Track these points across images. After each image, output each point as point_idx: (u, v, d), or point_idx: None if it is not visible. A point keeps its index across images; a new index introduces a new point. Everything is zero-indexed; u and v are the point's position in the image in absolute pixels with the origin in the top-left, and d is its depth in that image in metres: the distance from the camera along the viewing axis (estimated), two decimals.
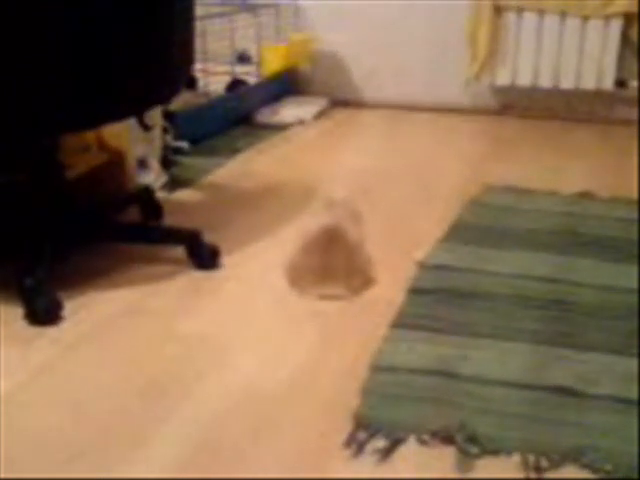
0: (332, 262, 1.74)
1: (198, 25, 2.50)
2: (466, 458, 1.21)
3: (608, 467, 1.19)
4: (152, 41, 1.71)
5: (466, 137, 3.27)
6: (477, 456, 1.22)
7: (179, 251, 1.92)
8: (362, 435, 1.26)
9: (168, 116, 2.67)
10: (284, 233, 2.10)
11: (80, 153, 2.21)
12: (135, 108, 1.83)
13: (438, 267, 1.90)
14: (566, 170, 2.74)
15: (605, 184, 2.55)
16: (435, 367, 1.45)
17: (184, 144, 2.82)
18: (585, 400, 1.36)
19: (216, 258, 1.92)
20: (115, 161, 2.29)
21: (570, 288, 1.79)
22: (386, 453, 1.23)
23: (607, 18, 3.24)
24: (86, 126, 1.88)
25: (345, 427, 1.28)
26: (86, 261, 1.92)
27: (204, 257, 1.90)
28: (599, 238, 2.09)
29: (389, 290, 1.78)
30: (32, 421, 1.31)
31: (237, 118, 3.28)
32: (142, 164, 2.43)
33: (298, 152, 2.97)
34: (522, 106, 3.57)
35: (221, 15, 3.23)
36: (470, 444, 1.24)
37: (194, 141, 2.88)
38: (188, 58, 1.90)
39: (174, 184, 2.51)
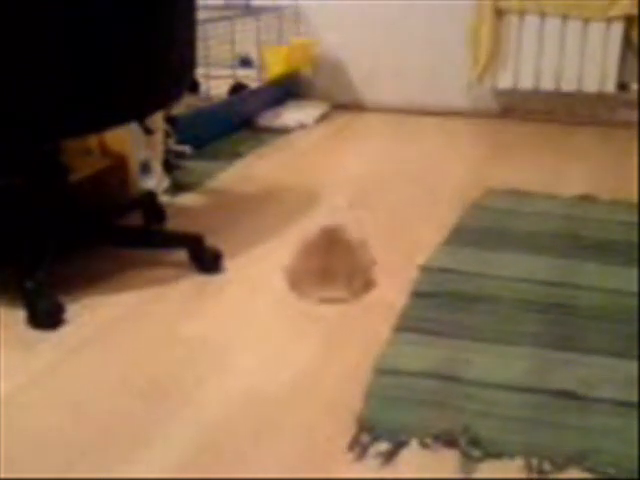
0: (332, 264, 1.74)
1: (200, 29, 2.50)
2: (469, 461, 1.21)
3: (611, 470, 1.19)
4: (154, 45, 1.71)
5: (468, 140, 3.27)
6: (480, 459, 1.22)
7: (181, 255, 1.92)
8: (365, 438, 1.26)
9: (170, 120, 2.67)
10: (286, 236, 2.10)
11: (83, 157, 2.21)
12: (137, 112, 1.83)
13: (440, 270, 1.90)
14: (567, 173, 2.74)
15: (606, 187, 2.55)
16: (437, 370, 1.45)
17: (186, 148, 2.82)
18: (587, 403, 1.36)
19: (218, 262, 1.92)
20: (117, 165, 2.29)
21: (572, 291, 1.79)
22: (389, 456, 1.23)
23: (609, 21, 3.24)
24: (88, 130, 1.88)
25: (348, 430, 1.28)
26: (88, 265, 1.92)
27: (206, 261, 1.90)
28: (600, 241, 2.09)
29: (391, 293, 1.78)
30: (33, 422, 1.31)
31: (239, 122, 3.28)
32: (144, 168, 2.43)
33: (300, 156, 2.97)
34: (524, 109, 3.57)
35: (223, 19, 3.24)
36: (473, 447, 1.24)
37: (196, 145, 2.88)
38: (190, 62, 1.90)
39: (176, 188, 2.52)
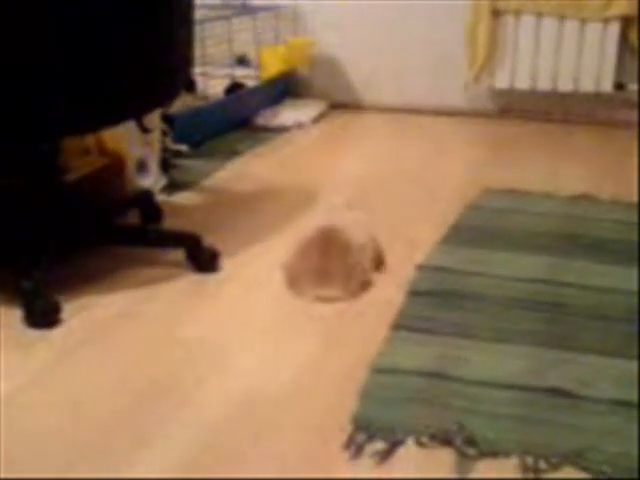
0: (329, 263, 1.74)
1: (197, 28, 2.50)
2: (464, 460, 1.22)
3: (607, 469, 1.19)
4: (151, 44, 1.71)
5: (465, 140, 3.28)
6: (475, 458, 1.22)
7: (179, 254, 1.92)
8: (361, 437, 1.27)
9: (167, 119, 2.67)
10: (283, 236, 2.10)
11: (80, 156, 2.21)
12: (134, 111, 1.83)
13: (437, 269, 1.90)
14: (565, 173, 2.75)
15: (604, 187, 2.56)
16: (434, 369, 1.45)
17: (183, 147, 2.82)
18: (582, 402, 1.36)
19: (215, 261, 1.92)
20: (115, 164, 2.29)
21: (568, 290, 1.80)
22: (385, 455, 1.23)
23: (605, 21, 3.24)
24: (86, 130, 1.88)
25: (345, 429, 1.29)
26: (86, 264, 1.92)
27: (203, 260, 1.91)
28: (598, 240, 2.09)
29: (389, 292, 1.78)
30: (32, 422, 1.31)
31: (236, 121, 3.28)
32: (142, 167, 2.43)
33: (297, 155, 2.98)
34: (521, 109, 3.57)
35: (220, 18, 3.24)
36: (468, 446, 1.24)
37: (193, 144, 2.88)
38: (187, 61, 1.91)
39: (173, 187, 2.52)
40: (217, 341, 1.59)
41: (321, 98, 3.72)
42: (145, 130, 1.97)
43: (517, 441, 1.26)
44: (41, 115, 1.60)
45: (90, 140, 2.25)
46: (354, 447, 1.24)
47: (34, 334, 1.60)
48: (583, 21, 3.26)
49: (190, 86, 3.09)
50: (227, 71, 3.37)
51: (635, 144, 3.11)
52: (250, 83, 3.44)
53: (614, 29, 3.25)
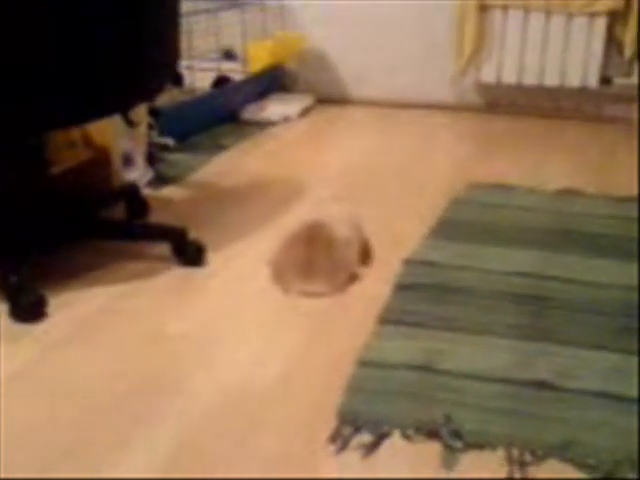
0: (314, 257, 1.74)
1: (184, 22, 2.49)
2: (450, 453, 1.22)
3: (591, 462, 1.20)
4: (137, 37, 1.71)
5: (452, 134, 3.28)
6: (461, 450, 1.22)
7: (164, 248, 1.92)
8: (347, 430, 1.27)
9: (153, 113, 2.66)
10: (270, 230, 2.10)
11: (65, 150, 2.20)
12: (120, 105, 1.82)
13: (424, 263, 1.90)
14: (551, 167, 2.76)
15: (590, 181, 2.57)
16: (419, 362, 1.46)
17: (169, 141, 2.81)
18: (567, 395, 1.36)
19: (201, 255, 1.92)
20: (100, 158, 2.28)
21: (554, 284, 1.80)
22: (371, 448, 1.23)
23: (592, 16, 3.25)
24: (71, 123, 1.87)
25: (331, 423, 1.29)
26: (71, 258, 1.91)
27: (189, 254, 1.90)
28: (585, 235, 2.10)
29: (375, 286, 1.79)
30: (13, 420, 1.31)
31: (223, 115, 3.27)
32: (127, 161, 2.42)
33: (284, 149, 2.97)
34: (508, 103, 3.58)
35: (207, 12, 3.22)
36: (455, 439, 1.24)
37: (179, 138, 2.87)
38: (173, 54, 1.90)
39: (159, 181, 2.51)
40: (202, 336, 1.58)
41: (308, 92, 3.71)
42: (131, 124, 1.96)
43: (503, 434, 1.26)
44: (26, 108, 1.59)
45: (76, 133, 2.24)
46: (340, 440, 1.24)
47: (19, 328, 1.60)
48: (569, 16, 3.27)
49: (177, 79, 3.08)
50: (214, 65, 3.36)
51: (621, 138, 3.12)
52: (237, 77, 3.43)
53: (600, 24, 3.26)
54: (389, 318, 1.63)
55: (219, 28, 3.30)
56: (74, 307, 1.68)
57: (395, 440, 1.25)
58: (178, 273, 1.86)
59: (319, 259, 1.75)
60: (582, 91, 3.42)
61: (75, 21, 1.56)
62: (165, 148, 2.77)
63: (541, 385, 1.39)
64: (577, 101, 3.49)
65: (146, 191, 2.38)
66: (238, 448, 1.24)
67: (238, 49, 3.56)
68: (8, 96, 1.56)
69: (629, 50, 3.25)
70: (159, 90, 1.93)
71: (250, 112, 3.36)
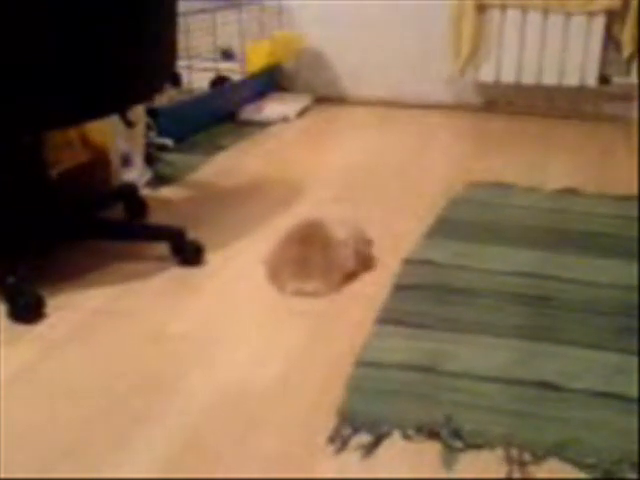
0: (310, 256, 1.74)
1: (182, 21, 2.49)
2: (450, 452, 1.22)
3: (591, 461, 1.20)
4: (135, 37, 1.70)
5: (450, 134, 3.28)
6: (461, 450, 1.22)
7: (163, 248, 1.91)
8: (347, 430, 1.26)
9: (152, 113, 2.66)
10: (269, 230, 2.10)
11: (63, 150, 2.20)
12: (118, 104, 1.82)
13: (423, 263, 1.90)
14: (550, 166, 2.75)
15: (589, 180, 2.56)
16: (419, 362, 1.46)
17: (168, 141, 2.81)
18: (567, 395, 1.36)
19: (200, 255, 1.91)
20: (99, 158, 2.28)
21: (554, 284, 1.80)
22: (370, 448, 1.23)
23: (590, 15, 3.25)
24: (69, 122, 1.87)
25: (331, 423, 1.29)
26: (70, 258, 1.91)
27: (188, 254, 1.90)
28: (583, 234, 2.10)
29: (374, 286, 1.78)
30: (13, 420, 1.30)
31: (221, 115, 3.27)
32: (126, 161, 2.42)
33: (282, 149, 2.97)
34: (506, 102, 3.58)
35: (205, 12, 3.22)
36: (454, 438, 1.24)
37: (178, 138, 2.87)
38: (171, 54, 1.90)
39: (158, 181, 2.51)
40: (201, 336, 1.58)
41: (306, 92, 3.71)
42: (129, 124, 1.96)
43: (502, 433, 1.26)
44: (23, 108, 1.58)
45: (74, 134, 2.24)
46: (339, 440, 1.24)
47: (18, 329, 1.59)
48: (567, 15, 3.26)
49: (175, 80, 3.08)
50: (212, 64, 3.36)
51: (620, 137, 3.12)
52: (235, 77, 3.42)
53: (598, 23, 3.26)
54: (388, 318, 1.63)
55: (217, 28, 3.29)
56: (72, 308, 1.68)
57: (394, 440, 1.25)
58: (177, 273, 1.86)
59: (314, 258, 1.74)
60: (580, 90, 3.42)
61: (73, 20, 1.55)
62: (163, 148, 2.77)
63: (541, 385, 1.39)
64: (575, 100, 3.49)
65: (145, 191, 2.38)
66: (237, 448, 1.23)
67: (236, 49, 3.55)
68: (5, 95, 1.56)
69: (627, 49, 3.24)
70: (157, 90, 1.92)
71: (248, 112, 3.35)
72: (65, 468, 1.19)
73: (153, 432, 1.27)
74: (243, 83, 3.45)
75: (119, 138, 2.36)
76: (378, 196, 2.42)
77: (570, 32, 3.29)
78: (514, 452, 1.22)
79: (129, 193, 2.23)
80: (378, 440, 1.24)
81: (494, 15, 3.34)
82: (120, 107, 1.86)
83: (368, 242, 1.91)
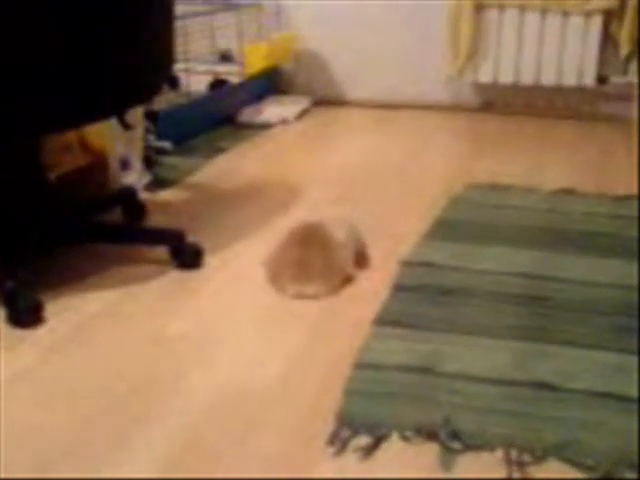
0: (309, 258, 1.74)
1: (180, 24, 2.49)
2: (449, 454, 1.22)
3: (590, 462, 1.20)
4: (133, 40, 1.70)
5: (449, 134, 3.28)
6: (460, 451, 1.22)
7: (162, 251, 1.91)
8: (345, 432, 1.26)
9: (150, 116, 2.66)
10: (268, 232, 2.10)
11: (62, 153, 2.20)
12: (116, 108, 1.82)
13: (421, 264, 1.90)
14: (548, 166, 2.75)
15: (588, 180, 2.56)
16: (418, 364, 1.46)
17: (167, 144, 2.81)
18: (566, 395, 1.36)
19: (199, 258, 1.91)
20: (97, 161, 2.28)
21: (553, 284, 1.80)
22: (369, 450, 1.23)
23: (587, 15, 3.25)
24: (67, 126, 1.87)
25: (329, 425, 1.29)
26: (69, 262, 1.91)
27: (187, 257, 1.90)
28: (582, 234, 2.10)
29: (373, 287, 1.78)
30: (13, 420, 1.30)
31: (220, 118, 3.27)
32: (124, 164, 2.42)
33: (281, 151, 2.97)
34: (504, 103, 3.58)
35: (203, 14, 3.22)
36: (453, 440, 1.24)
37: (177, 141, 2.87)
38: (169, 57, 1.90)
39: (157, 184, 2.51)
40: (201, 338, 1.58)
41: (305, 94, 3.71)
42: (127, 127, 1.96)
43: (501, 434, 1.26)
44: (21, 111, 1.59)
45: (72, 137, 2.24)
46: (338, 443, 1.24)
47: (17, 333, 1.59)
48: (565, 15, 3.27)
49: (173, 82, 3.07)
50: (210, 67, 3.36)
51: (618, 137, 3.12)
52: (233, 79, 3.42)
53: (596, 23, 3.26)
54: (387, 319, 1.63)
55: (215, 30, 3.29)
56: (72, 311, 1.68)
57: (393, 442, 1.25)
58: (176, 276, 1.86)
59: (314, 260, 1.74)
60: (578, 90, 3.42)
61: (72, 22, 1.56)
62: (162, 151, 2.77)
63: (540, 385, 1.39)
64: (574, 100, 3.49)
65: (143, 195, 2.38)
66: (237, 448, 1.24)
67: (234, 51, 3.55)
68: (4, 96, 1.56)
69: (625, 48, 3.25)
70: (155, 93, 1.92)
71: (247, 114, 3.35)
72: (65, 468, 1.19)
73: (153, 432, 1.28)
74: (242, 86, 3.45)
75: (118, 141, 2.36)
76: (377, 197, 2.42)
77: (568, 32, 3.29)
78: (513, 453, 1.22)
79: (128, 196, 2.23)
80: (377, 442, 1.24)
81: (492, 15, 3.35)
82: (118, 110, 1.86)
83: (363, 243, 1.91)
